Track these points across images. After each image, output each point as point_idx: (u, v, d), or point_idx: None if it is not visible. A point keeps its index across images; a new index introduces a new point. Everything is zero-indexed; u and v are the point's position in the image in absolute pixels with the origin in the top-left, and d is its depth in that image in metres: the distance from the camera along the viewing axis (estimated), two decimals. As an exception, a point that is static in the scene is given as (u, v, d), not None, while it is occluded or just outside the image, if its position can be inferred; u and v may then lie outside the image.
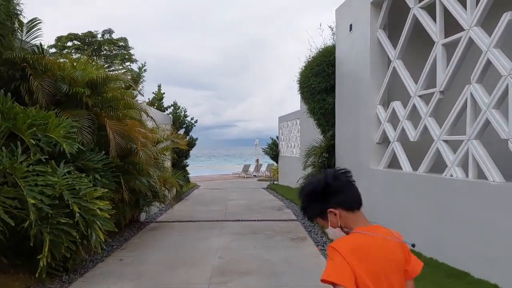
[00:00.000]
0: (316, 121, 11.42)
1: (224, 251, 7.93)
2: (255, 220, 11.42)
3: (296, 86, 11.91)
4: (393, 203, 7.16)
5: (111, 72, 22.82)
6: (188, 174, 17.40)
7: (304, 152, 11.28)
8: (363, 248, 1.59)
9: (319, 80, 10.93)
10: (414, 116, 7.12)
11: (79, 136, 6.46)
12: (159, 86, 17.66)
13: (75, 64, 7.74)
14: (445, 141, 6.31)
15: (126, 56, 22.65)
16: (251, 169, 33.95)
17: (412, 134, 6.97)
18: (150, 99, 17.25)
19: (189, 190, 20.63)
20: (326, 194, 1.75)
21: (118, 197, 7.79)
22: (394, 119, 7.67)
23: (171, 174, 11.05)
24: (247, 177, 31.86)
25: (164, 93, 17.72)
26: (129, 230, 9.93)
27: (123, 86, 8.59)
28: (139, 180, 8.17)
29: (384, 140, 8.03)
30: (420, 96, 6.97)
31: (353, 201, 1.81)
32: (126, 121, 7.88)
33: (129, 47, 23.06)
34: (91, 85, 7.31)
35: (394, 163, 7.77)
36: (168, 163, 15.34)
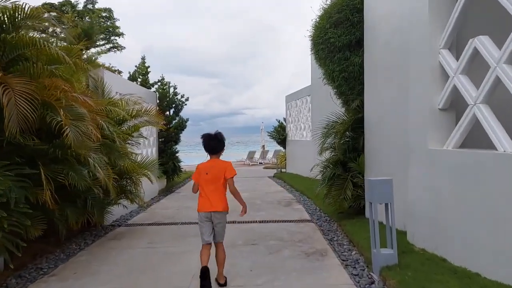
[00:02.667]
0: (335, 90, 8.52)
1: (205, 278, 5.14)
2: (256, 222, 8.64)
3: (305, 69, 9.01)
4: (479, 207, 4.32)
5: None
6: (179, 162, 14.61)
7: (319, 131, 8.38)
8: (201, 166, 4.80)
9: (340, 33, 8.00)
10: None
11: None
12: (143, 58, 14.81)
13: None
14: None
15: (110, 29, 19.80)
16: (257, 155, 31.16)
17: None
18: (131, 73, 14.44)
19: (184, 181, 17.95)
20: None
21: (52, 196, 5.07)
22: (474, 70, 4.77)
23: (142, 162, 8.24)
24: (252, 164, 29.14)
25: (149, 66, 14.87)
26: (79, 240, 7.20)
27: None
28: (74, 171, 5.39)
29: (453, 104, 5.12)
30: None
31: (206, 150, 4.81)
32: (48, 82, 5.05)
33: (114, 19, 20.24)
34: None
35: (471, 140, 4.89)
36: (149, 150, 12.55)
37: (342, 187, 7.36)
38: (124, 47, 21.77)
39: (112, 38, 20.95)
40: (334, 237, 7.05)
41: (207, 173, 4.72)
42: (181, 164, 25.99)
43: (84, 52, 12.24)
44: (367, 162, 7.41)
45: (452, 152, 4.77)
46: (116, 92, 9.69)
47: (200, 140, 4.88)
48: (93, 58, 16.05)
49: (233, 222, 8.26)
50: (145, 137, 8.33)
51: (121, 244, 7.01)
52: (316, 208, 10.05)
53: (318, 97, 15.10)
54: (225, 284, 4.81)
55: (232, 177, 4.72)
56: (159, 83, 14.80)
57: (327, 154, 8.44)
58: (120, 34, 20.68)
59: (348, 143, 7.71)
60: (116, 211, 8.53)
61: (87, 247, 6.91)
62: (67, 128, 4.77)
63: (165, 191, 14.31)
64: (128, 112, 7.96)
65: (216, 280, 4.83)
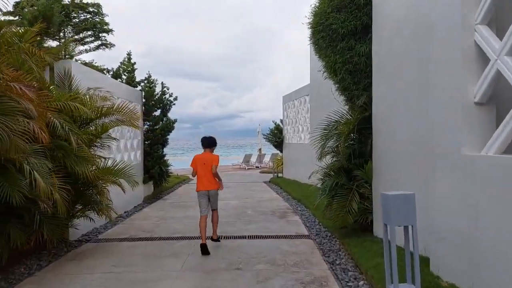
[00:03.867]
0: (337, 85, 7.36)
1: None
2: (245, 237, 7.47)
3: (303, 65, 7.92)
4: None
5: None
6: (166, 166, 13.40)
7: (318, 133, 7.21)
8: (197, 156, 6.72)
9: (344, 18, 6.86)
10: None
11: None
12: (129, 54, 13.63)
13: None
14: None
15: (98, 25, 18.61)
16: (253, 159, 29.95)
17: None
18: (113, 69, 13.24)
19: (175, 186, 16.79)
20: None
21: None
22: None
23: (114, 168, 7.06)
24: (248, 168, 27.94)
25: (135, 63, 13.67)
26: (32, 262, 6.00)
27: None
28: (8, 180, 4.21)
29: (493, 96, 3.96)
30: None
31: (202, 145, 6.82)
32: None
33: (103, 14, 19.05)
34: None
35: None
36: (132, 154, 11.36)
37: (346, 198, 6.19)
38: (114, 45, 20.57)
39: (102, 35, 19.79)
40: (336, 260, 5.87)
41: (204, 163, 6.68)
42: (173, 168, 24.91)
43: (44, 39, 11.00)
44: (375, 169, 6.25)
45: (495, 159, 3.60)
46: (89, 88, 8.54)
47: (199, 144, 7.05)
48: (69, 50, 14.85)
49: (218, 238, 7.09)
50: (114, 139, 7.11)
51: (80, 267, 5.82)
52: (315, 220, 8.88)
53: (318, 96, 13.95)
54: (218, 240, 6.96)
55: (216, 165, 6.71)
56: (145, 81, 13.60)
57: (328, 160, 7.28)
58: (109, 31, 19.49)
59: (353, 147, 6.54)
60: (87, 224, 7.33)
61: (39, 271, 5.72)
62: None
63: (151, 198, 13.12)
64: (96, 110, 6.79)
65: (211, 237, 6.87)
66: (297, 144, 16.76)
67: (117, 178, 6.84)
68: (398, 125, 5.82)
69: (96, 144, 6.85)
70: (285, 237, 7.41)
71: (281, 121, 20.01)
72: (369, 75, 6.81)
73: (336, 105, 7.70)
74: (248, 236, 7.53)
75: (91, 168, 5.98)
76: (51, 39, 17.70)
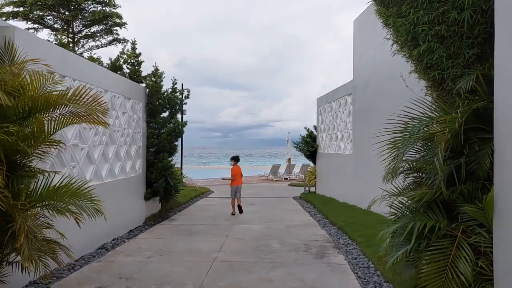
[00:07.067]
0: (416, 62, 4.62)
1: None
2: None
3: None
4: None
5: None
6: (175, 179, 10.89)
7: (385, 138, 4.41)
8: (234, 168, 11.84)
9: None
10: None
11: None
12: (133, 43, 11.33)
13: None
14: None
15: (108, 16, 16.47)
16: (281, 170, 27.22)
17: None
18: (112, 60, 10.91)
19: (191, 200, 14.31)
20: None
21: None
22: None
23: (56, 189, 4.51)
24: (275, 180, 25.27)
25: (140, 54, 11.35)
26: None
27: None
28: None
29: None
30: None
31: (235, 160, 12.11)
32: None
33: (115, 4, 16.93)
34: None
35: None
36: (128, 164, 8.88)
37: (447, 255, 3.43)
38: (128, 40, 18.46)
39: (114, 29, 17.76)
40: None
41: (239, 171, 11.90)
42: (191, 178, 22.44)
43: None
44: (500, 203, 3.44)
45: None
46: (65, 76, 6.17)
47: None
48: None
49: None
50: (58, 143, 4.49)
51: None
52: (369, 264, 6.13)
53: (365, 94, 11.16)
54: (241, 211, 11.43)
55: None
56: (152, 77, 11.20)
57: (399, 181, 4.52)
58: (122, 25, 17.38)
59: (456, 163, 3.73)
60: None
61: None
62: None
63: (157, 218, 10.67)
64: (27, 98, 4.31)
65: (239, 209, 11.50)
66: (335, 154, 13.95)
67: (64, 203, 4.30)
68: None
69: (34, 153, 4.35)
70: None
71: (315, 127, 17.25)
72: (477, 42, 4.06)
73: (402, 98, 4.92)
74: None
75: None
76: (59, 33, 15.76)
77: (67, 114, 4.69)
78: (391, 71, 8.33)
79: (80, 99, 4.66)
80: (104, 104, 4.84)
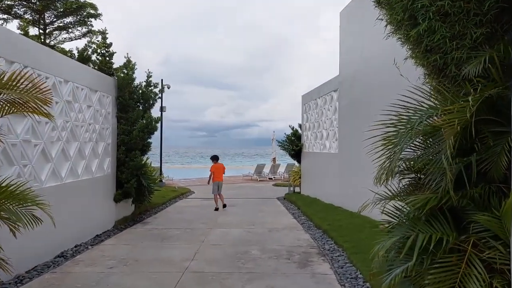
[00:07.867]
0: (413, 45, 3.99)
1: None
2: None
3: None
4: None
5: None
6: (148, 179, 10.10)
7: (378, 133, 3.75)
8: (214, 165, 12.18)
9: None
10: None
11: None
12: (104, 33, 10.49)
13: None
14: None
15: (81, 6, 15.51)
16: (266, 170, 26.55)
17: None
18: (78, 50, 10.07)
19: (169, 202, 13.52)
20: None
21: None
22: None
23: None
24: (260, 180, 24.58)
25: (111, 44, 10.53)
26: None
27: None
28: None
29: None
30: None
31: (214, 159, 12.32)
32: None
33: (89, -5, 16.02)
34: None
35: None
36: (95, 163, 8.06)
37: (456, 271, 2.79)
38: (107, 32, 17.53)
39: (89, 21, 16.82)
40: None
41: (217, 168, 12.10)
42: (172, 178, 21.58)
43: None
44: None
45: None
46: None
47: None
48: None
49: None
50: None
51: None
52: (357, 274, 5.50)
53: (352, 89, 10.55)
54: (225, 206, 11.91)
55: (224, 169, 12.40)
56: (124, 69, 10.36)
57: (394, 183, 3.87)
58: (97, 16, 16.46)
59: (465, 161, 3.09)
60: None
61: None
62: None
63: (129, 221, 9.88)
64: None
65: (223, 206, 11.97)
66: (320, 154, 13.34)
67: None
68: None
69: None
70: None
71: (300, 125, 16.61)
72: (486, 20, 3.44)
73: (395, 90, 4.28)
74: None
75: None
76: (23, 21, 14.77)
77: (1, 102, 3.94)
78: (382, 61, 7.73)
79: (18, 85, 3.92)
80: (48, 92, 4.09)
